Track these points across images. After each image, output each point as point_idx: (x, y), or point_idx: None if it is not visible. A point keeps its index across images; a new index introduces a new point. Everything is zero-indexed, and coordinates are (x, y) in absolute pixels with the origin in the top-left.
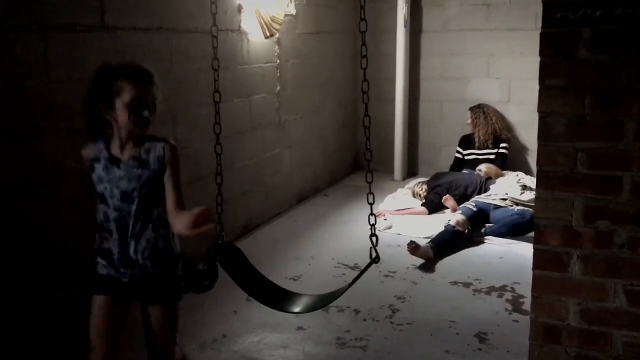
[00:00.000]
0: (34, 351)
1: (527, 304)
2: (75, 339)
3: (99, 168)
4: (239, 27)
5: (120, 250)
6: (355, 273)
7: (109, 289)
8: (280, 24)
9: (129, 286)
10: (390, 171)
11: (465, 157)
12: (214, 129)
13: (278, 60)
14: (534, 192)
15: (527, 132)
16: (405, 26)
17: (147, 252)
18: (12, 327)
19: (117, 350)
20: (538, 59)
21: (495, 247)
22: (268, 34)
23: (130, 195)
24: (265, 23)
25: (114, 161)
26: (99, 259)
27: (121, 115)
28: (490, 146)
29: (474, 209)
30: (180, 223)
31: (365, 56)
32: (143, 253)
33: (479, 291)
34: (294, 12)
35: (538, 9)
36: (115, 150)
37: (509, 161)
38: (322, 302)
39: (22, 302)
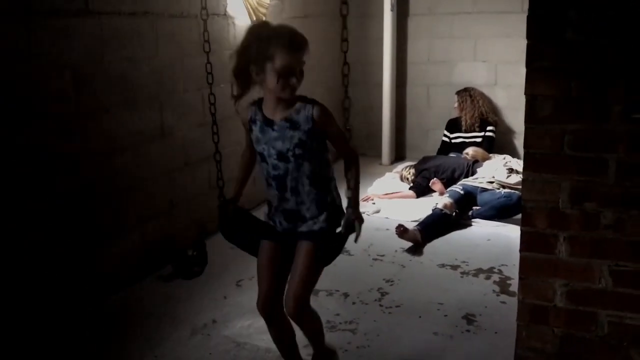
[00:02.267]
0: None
1: (514, 286)
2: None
3: (256, 129)
4: (225, 11)
5: (280, 203)
6: (345, 255)
7: (269, 234)
8: (266, 8)
9: (283, 236)
10: (378, 155)
11: (453, 141)
12: (209, 109)
13: None
14: (521, 175)
15: (514, 115)
16: (392, 10)
17: (308, 204)
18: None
19: (279, 289)
20: (525, 41)
21: (482, 230)
22: (254, 19)
23: (285, 155)
24: (251, 7)
25: (268, 123)
26: (266, 207)
27: (270, 79)
28: (477, 129)
29: (462, 192)
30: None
31: (346, 40)
32: (304, 205)
33: (467, 273)
34: None
35: None
36: (268, 112)
37: (496, 144)
38: None
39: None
